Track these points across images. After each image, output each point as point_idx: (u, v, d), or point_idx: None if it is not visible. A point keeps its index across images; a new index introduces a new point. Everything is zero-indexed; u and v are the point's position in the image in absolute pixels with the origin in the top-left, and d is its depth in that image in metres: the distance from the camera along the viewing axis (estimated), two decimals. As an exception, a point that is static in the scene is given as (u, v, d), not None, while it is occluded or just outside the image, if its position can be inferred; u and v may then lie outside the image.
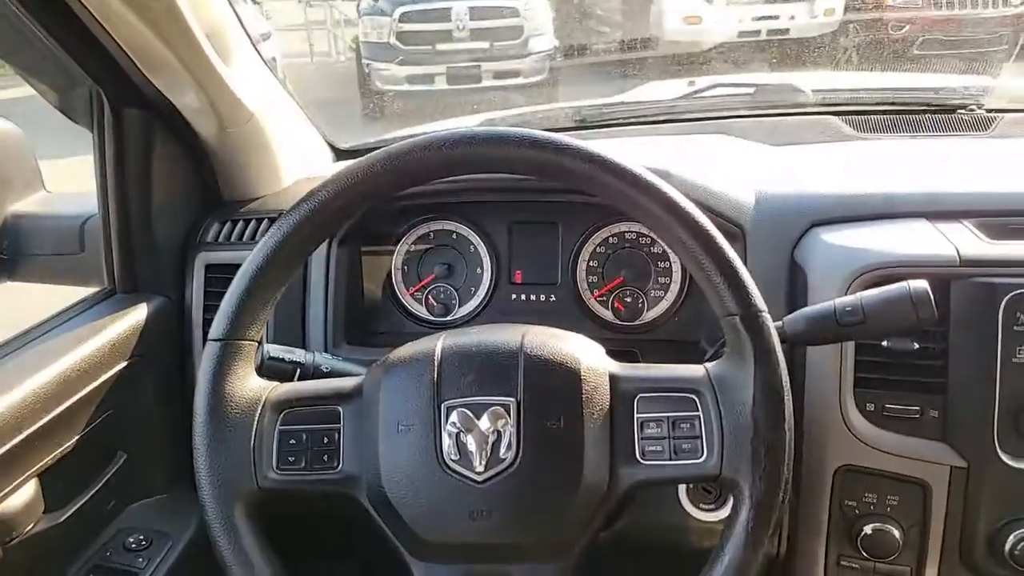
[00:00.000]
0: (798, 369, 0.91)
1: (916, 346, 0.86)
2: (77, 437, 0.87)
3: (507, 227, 1.11)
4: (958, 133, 1.29)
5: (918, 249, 0.87)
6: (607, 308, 1.10)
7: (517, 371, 0.70)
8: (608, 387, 0.71)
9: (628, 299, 1.09)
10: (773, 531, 0.66)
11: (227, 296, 0.71)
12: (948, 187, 0.97)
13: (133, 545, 0.92)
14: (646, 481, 0.70)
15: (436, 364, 0.71)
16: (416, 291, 1.13)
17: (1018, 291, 0.82)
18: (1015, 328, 0.82)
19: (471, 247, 1.11)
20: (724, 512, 0.96)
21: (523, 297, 1.11)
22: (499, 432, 0.68)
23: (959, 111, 1.32)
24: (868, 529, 0.88)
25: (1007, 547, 0.84)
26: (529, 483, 0.67)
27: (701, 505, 0.97)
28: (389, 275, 1.13)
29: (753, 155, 1.16)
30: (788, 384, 0.67)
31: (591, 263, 1.10)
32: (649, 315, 1.08)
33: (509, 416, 0.68)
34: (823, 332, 0.76)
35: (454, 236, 1.12)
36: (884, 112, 1.34)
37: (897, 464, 0.87)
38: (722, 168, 1.04)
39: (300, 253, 0.73)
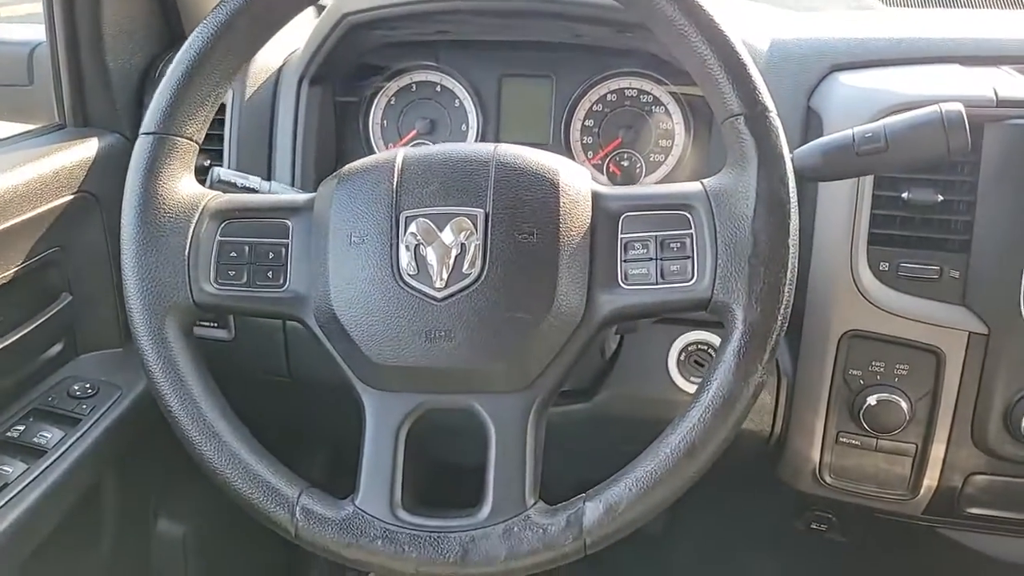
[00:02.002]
0: (807, 221, 0.82)
1: (940, 198, 0.77)
2: (16, 268, 0.80)
3: (497, 80, 1.01)
4: (1000, 7, 1.18)
5: (949, 88, 0.77)
6: (602, 172, 1.01)
7: (487, 181, 0.62)
8: (590, 204, 0.63)
9: (625, 163, 1.00)
10: (769, 361, 0.58)
11: (161, 86, 0.63)
12: (984, 32, 0.86)
13: (78, 392, 0.86)
14: (627, 308, 0.62)
15: (396, 173, 0.63)
16: (396, 147, 1.04)
17: (1060, 134, 0.73)
18: (1054, 177, 0.74)
19: (456, 101, 1.02)
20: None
21: None
22: (463, 245, 0.60)
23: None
24: (872, 400, 0.80)
25: (1021, 420, 0.76)
26: (494, 302, 0.60)
27: (692, 378, 0.90)
28: (368, 129, 1.04)
29: (776, 12, 1.05)
30: (795, 198, 0.59)
31: (587, 122, 1.00)
32: (647, 181, 0.99)
33: (476, 228, 0.60)
34: (840, 164, 0.67)
35: (439, 89, 1.02)
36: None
37: (910, 329, 0.79)
38: (736, 15, 0.94)
39: (247, 40, 0.64)
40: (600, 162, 1.01)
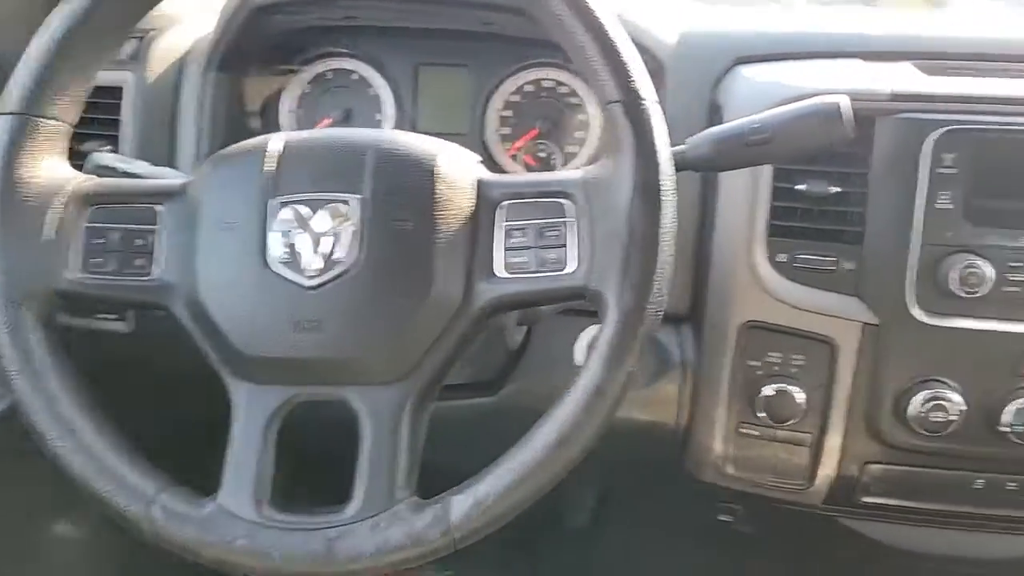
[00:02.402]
0: (708, 214, 0.83)
1: (834, 190, 0.78)
2: None
3: (413, 69, 1.00)
4: (917, 8, 1.20)
5: (845, 82, 0.78)
6: (517, 163, 1.00)
7: (365, 166, 0.61)
8: (473, 191, 0.62)
9: (541, 154, 0.99)
10: (640, 351, 0.58)
11: (20, 65, 0.60)
12: (888, 29, 0.88)
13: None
14: (507, 297, 0.61)
15: (273, 157, 0.61)
16: None
17: (947, 127, 0.74)
18: (939, 170, 0.75)
19: (372, 90, 1.01)
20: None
21: None
22: (337, 232, 0.59)
23: (919, -13, 1.23)
24: (769, 391, 0.81)
25: (910, 410, 0.77)
26: (367, 290, 0.59)
27: (600, 369, 0.90)
28: (280, 118, 1.02)
29: (691, 4, 1.06)
30: (672, 187, 0.59)
31: (504, 113, 1.00)
32: None
33: (350, 215, 0.59)
34: (730, 154, 0.67)
35: (354, 77, 1.01)
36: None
37: (806, 320, 0.80)
38: (651, 7, 0.94)
39: (116, 15, 0.62)
40: (517, 152, 1.00)
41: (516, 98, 1.00)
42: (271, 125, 1.01)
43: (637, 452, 0.98)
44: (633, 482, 1.18)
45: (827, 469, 0.84)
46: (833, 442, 0.83)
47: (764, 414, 0.82)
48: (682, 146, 0.69)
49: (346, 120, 1.01)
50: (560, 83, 0.98)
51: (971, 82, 0.77)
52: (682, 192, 0.85)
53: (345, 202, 0.59)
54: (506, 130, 1.00)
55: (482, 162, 0.66)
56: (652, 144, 0.58)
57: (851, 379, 0.80)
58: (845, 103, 0.64)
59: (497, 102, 0.99)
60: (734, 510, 0.96)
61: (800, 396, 0.81)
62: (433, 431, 0.90)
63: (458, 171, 0.62)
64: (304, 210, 0.59)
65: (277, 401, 0.61)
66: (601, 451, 1.00)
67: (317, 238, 0.59)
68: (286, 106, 1.01)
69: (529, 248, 0.61)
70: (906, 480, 0.84)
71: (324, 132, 0.64)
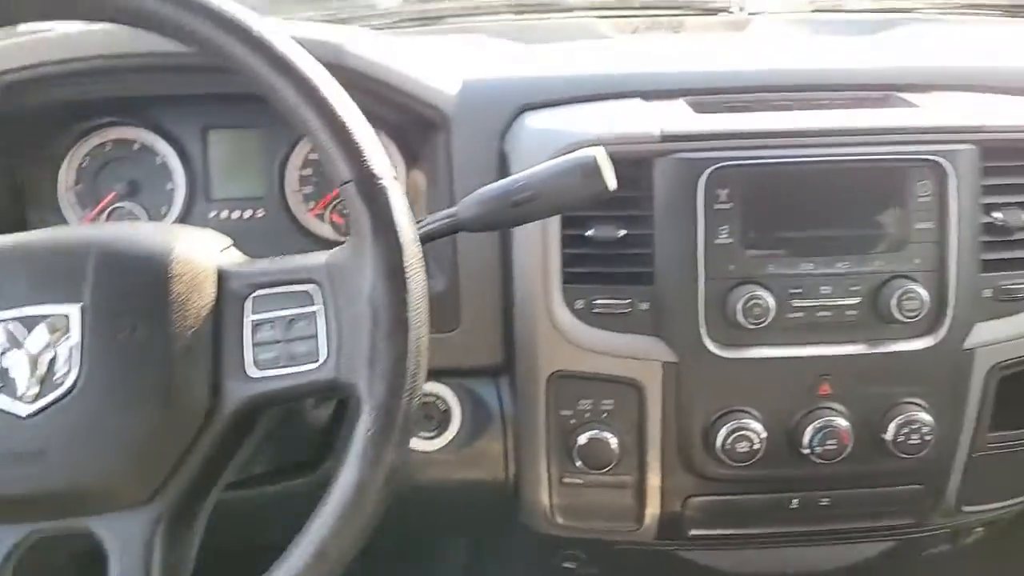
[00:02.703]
0: (507, 264, 0.81)
1: (622, 233, 0.78)
2: None
3: (200, 133, 0.95)
4: (720, 34, 1.24)
5: (619, 127, 0.78)
6: (324, 222, 0.96)
7: (86, 270, 0.55)
8: (214, 285, 0.58)
9: (348, 211, 0.96)
10: (401, 442, 0.55)
11: None
12: (664, 66, 0.89)
13: None
14: (259, 397, 0.57)
15: None
16: (94, 215, 0.95)
17: (719, 165, 0.75)
18: (716, 207, 0.76)
19: (157, 158, 0.94)
20: (444, 440, 0.87)
21: (225, 215, 0.96)
22: (55, 349, 0.54)
23: (721, 13, 1.27)
24: (583, 439, 0.80)
25: (719, 442, 0.78)
26: (93, 410, 0.53)
27: (422, 433, 0.87)
28: (58, 196, 0.94)
29: (476, 49, 1.04)
30: (418, 264, 0.56)
31: (303, 171, 0.95)
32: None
33: (70, 328, 0.54)
34: (500, 214, 0.66)
35: (136, 147, 0.94)
36: (646, 15, 1.27)
37: (610, 365, 0.79)
38: (438, 56, 0.92)
39: None
40: (323, 211, 0.96)
41: (316, 155, 0.96)
42: (49, 204, 0.94)
43: (475, 509, 0.95)
44: (477, 536, 1.15)
45: (652, 508, 0.84)
46: (653, 482, 0.83)
47: (581, 462, 0.81)
48: (454, 208, 0.67)
49: (134, 193, 0.94)
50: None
51: (740, 118, 0.79)
52: (484, 242, 0.85)
53: (64, 315, 0.54)
54: (308, 189, 0.96)
55: (229, 247, 0.62)
56: (391, 223, 0.55)
57: (661, 418, 0.80)
58: (600, 156, 0.63)
59: (295, 161, 0.95)
60: (577, 556, 0.95)
61: (614, 441, 0.80)
62: (259, 516, 0.85)
63: (196, 264, 0.58)
64: (16, 328, 0.54)
65: (13, 539, 0.54)
66: (440, 511, 0.97)
67: (34, 359, 0.53)
68: (63, 185, 0.94)
69: (278, 342, 0.57)
70: (727, 509, 0.85)
71: (38, 234, 0.58)
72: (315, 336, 0.56)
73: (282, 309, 0.57)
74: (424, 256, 0.86)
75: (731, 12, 1.26)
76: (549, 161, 0.66)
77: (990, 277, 0.80)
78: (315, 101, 0.55)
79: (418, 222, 0.70)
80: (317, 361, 0.56)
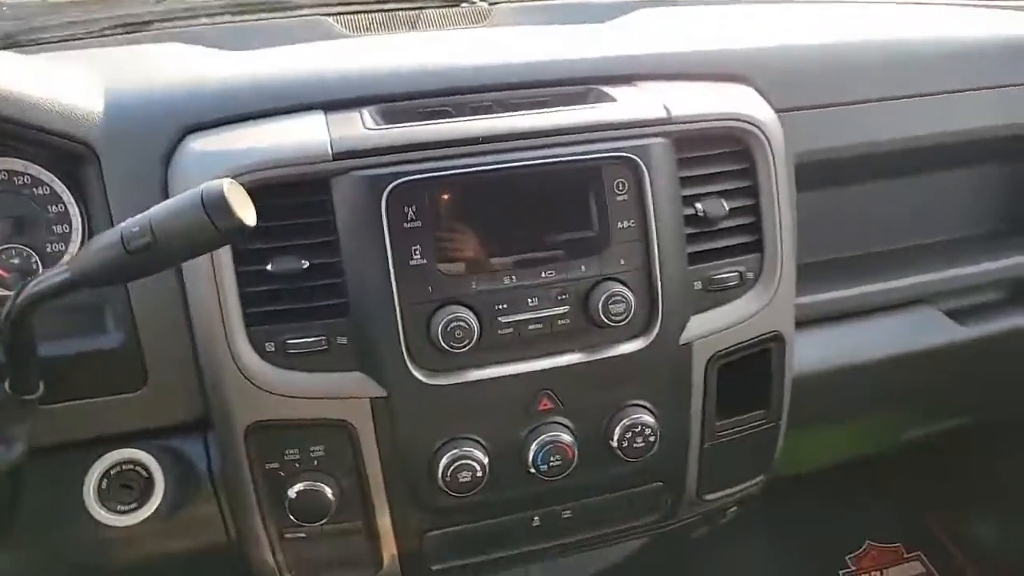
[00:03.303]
0: (187, 309, 0.72)
1: (305, 264, 0.70)
2: None
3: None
4: (460, 26, 1.18)
5: (288, 145, 0.70)
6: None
7: None
8: None
9: (16, 260, 0.81)
10: None
11: None
12: (347, 72, 0.81)
13: None
14: None
15: None
16: None
17: (400, 180, 0.69)
18: (405, 225, 0.70)
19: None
20: (148, 510, 0.76)
21: None
22: None
23: (462, 4, 1.21)
24: (293, 493, 0.73)
25: (439, 474, 0.73)
26: None
27: (120, 507, 0.76)
28: None
29: (174, 62, 0.92)
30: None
31: None
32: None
33: None
34: (116, 266, 0.57)
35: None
36: (381, 9, 1.19)
37: (313, 408, 0.72)
38: (89, 77, 0.79)
39: None
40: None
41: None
42: None
43: None
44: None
45: (389, 549, 0.78)
46: (384, 523, 0.77)
47: (294, 517, 0.74)
48: (65, 262, 0.57)
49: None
50: (15, 172, 0.80)
51: (421, 128, 0.72)
52: (162, 286, 0.74)
53: None
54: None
55: None
56: None
57: (379, 457, 0.74)
58: (229, 188, 0.55)
59: None
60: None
61: (329, 490, 0.73)
62: None
63: None
64: None
65: None
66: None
67: None
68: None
69: None
70: (469, 538, 0.80)
71: None
72: None
73: None
74: (94, 310, 0.75)
75: (472, 2, 1.21)
76: (167, 201, 0.57)
77: (698, 269, 0.79)
78: None
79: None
80: None
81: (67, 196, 0.76)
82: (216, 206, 0.55)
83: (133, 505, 0.76)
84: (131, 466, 0.77)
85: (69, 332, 0.74)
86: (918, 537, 1.55)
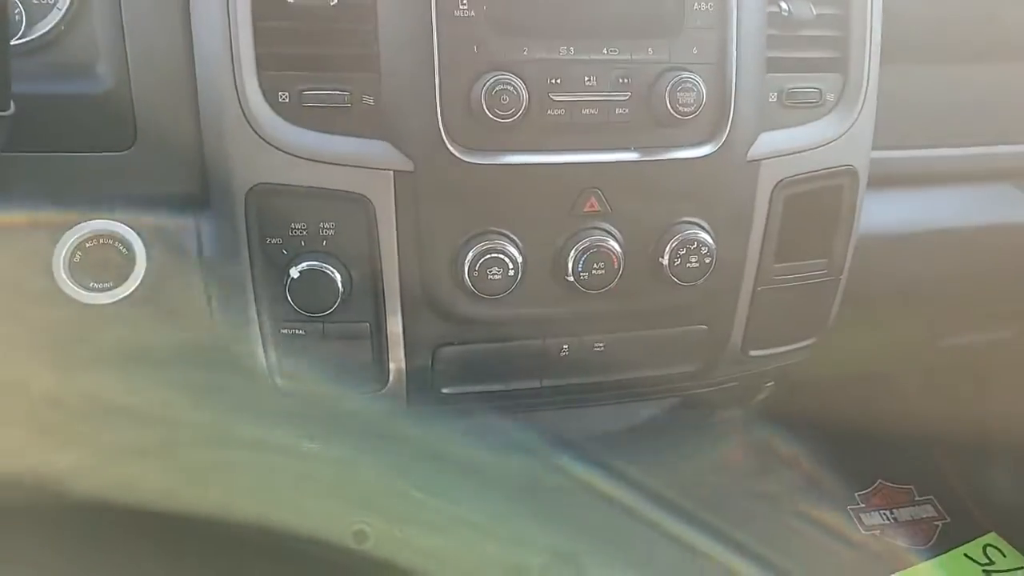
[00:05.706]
0: (188, 45, 0.61)
1: (334, 2, 0.60)
2: None
3: None
4: None
5: None
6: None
7: None
8: None
9: None
10: None
11: None
12: None
13: None
14: None
15: None
16: None
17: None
18: (452, -34, 0.60)
19: None
20: (125, 291, 0.66)
21: None
22: None
23: None
24: (296, 272, 0.63)
25: (467, 269, 0.64)
26: None
27: (91, 283, 0.65)
28: None
29: None
30: None
31: None
32: None
33: None
34: None
35: None
36: None
37: (327, 176, 0.62)
38: None
39: None
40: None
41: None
42: None
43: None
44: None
45: (397, 362, 0.69)
46: (393, 328, 0.67)
47: (294, 304, 0.64)
48: None
49: None
50: None
51: None
52: (162, 19, 0.64)
53: None
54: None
55: None
56: None
57: (396, 244, 0.64)
58: None
59: None
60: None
61: (337, 274, 0.64)
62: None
63: None
64: None
65: None
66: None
67: None
68: None
69: None
70: (487, 360, 0.71)
71: None
72: None
73: None
74: (87, 57, 0.64)
75: None
76: None
77: (776, 78, 0.69)
78: None
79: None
80: None
81: None
82: None
83: (108, 284, 0.66)
84: (110, 241, 0.67)
85: (56, 74, 0.64)
86: (931, 482, 1.49)
